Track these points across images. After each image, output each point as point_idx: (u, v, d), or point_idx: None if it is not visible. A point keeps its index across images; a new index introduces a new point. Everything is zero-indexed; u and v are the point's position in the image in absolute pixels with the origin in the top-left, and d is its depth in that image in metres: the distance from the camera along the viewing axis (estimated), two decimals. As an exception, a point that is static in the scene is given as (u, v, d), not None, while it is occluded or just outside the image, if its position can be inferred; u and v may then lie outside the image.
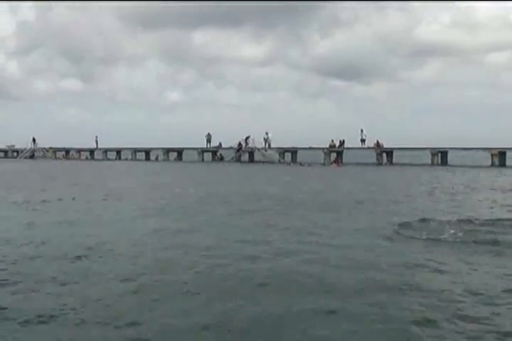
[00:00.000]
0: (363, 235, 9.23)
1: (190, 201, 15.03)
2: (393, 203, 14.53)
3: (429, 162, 40.87)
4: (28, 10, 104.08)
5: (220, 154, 49.51)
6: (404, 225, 10.03)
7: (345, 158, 44.74)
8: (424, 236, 8.85)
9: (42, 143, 60.10)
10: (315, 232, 9.49)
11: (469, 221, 10.50)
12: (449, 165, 39.69)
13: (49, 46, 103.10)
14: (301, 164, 42.10)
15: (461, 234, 8.88)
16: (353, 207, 13.54)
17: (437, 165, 40.10)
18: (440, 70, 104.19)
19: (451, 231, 9.01)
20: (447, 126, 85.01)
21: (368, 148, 44.39)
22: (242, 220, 11.11)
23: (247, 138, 47.43)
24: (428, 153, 41.54)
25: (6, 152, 64.93)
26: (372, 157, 43.53)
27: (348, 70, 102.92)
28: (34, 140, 59.85)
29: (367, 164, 41.74)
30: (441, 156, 41.38)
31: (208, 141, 49.60)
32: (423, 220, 10.60)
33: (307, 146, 47.13)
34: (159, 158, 52.25)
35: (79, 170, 36.22)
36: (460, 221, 10.37)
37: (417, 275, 6.60)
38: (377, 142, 43.74)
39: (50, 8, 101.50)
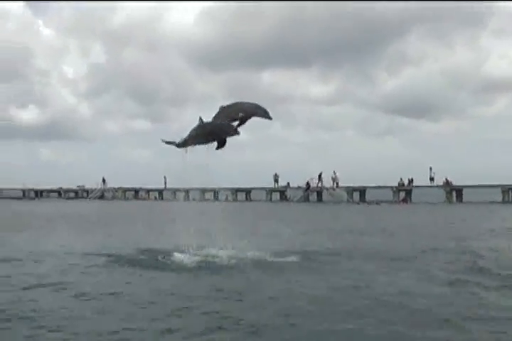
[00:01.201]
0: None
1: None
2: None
3: (500, 199, 42.01)
4: (99, 52, 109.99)
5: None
6: None
7: (414, 197, 46.23)
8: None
9: (111, 183, 63.81)
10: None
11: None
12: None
13: (119, 87, 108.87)
14: (368, 203, 43.89)
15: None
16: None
17: (509, 202, 41.16)
18: (509, 105, 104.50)
19: None
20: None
21: (437, 186, 45.71)
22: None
23: (320, 174, 48.94)
24: (499, 190, 42.71)
25: (76, 192, 69.07)
26: (441, 195, 44.90)
27: (416, 107, 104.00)
28: (104, 180, 63.52)
29: (436, 203, 42.99)
30: (512, 193, 42.43)
31: (276, 180, 51.69)
32: None
33: (375, 185, 48.78)
34: (228, 198, 54.89)
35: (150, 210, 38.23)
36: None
37: None
38: (446, 180, 45.07)
39: (121, 50, 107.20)
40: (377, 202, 43.29)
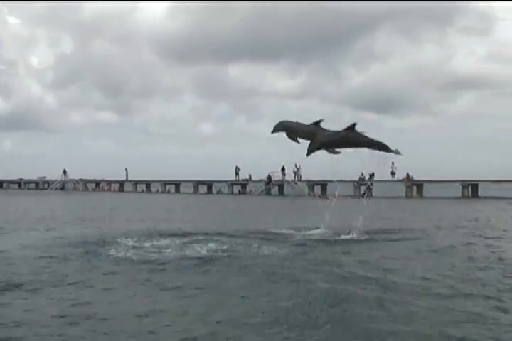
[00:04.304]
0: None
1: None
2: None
3: (460, 195, 44.18)
4: (67, 42, 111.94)
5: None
6: None
7: (374, 191, 47.89)
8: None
9: (73, 175, 65.70)
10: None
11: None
12: (479, 197, 42.73)
13: (86, 79, 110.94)
14: (325, 197, 45.62)
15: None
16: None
17: (467, 197, 43.13)
18: (474, 103, 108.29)
19: None
20: (479, 158, 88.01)
21: (398, 180, 47.20)
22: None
23: (283, 168, 50.13)
24: (459, 185, 44.66)
25: (37, 183, 70.87)
26: (402, 190, 46.35)
27: (381, 103, 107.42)
28: (65, 172, 65.27)
29: (396, 197, 44.60)
30: (471, 189, 44.25)
31: (237, 173, 53.30)
32: None
33: (337, 179, 50.12)
34: (189, 191, 56.54)
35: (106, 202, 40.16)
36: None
37: None
38: (407, 175, 46.70)
39: (90, 41, 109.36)
40: (333, 197, 44.82)
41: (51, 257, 10.55)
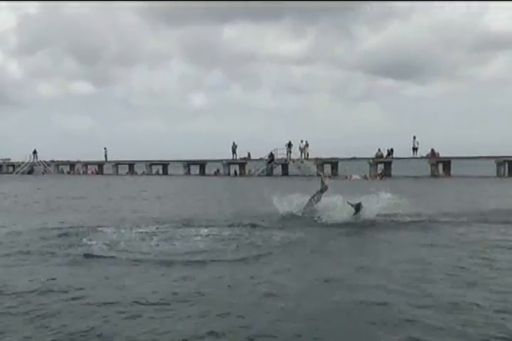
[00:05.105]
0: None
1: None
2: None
3: (495, 173, 39.69)
4: (31, 1, 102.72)
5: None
6: None
7: (394, 170, 43.74)
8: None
9: (43, 156, 59.71)
10: None
11: None
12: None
13: (56, 44, 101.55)
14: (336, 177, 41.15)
15: None
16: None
17: (504, 176, 38.88)
18: (509, 66, 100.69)
19: None
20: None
21: (421, 157, 43.41)
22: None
23: (289, 144, 46.43)
24: (493, 162, 40.39)
25: (0, 166, 64.19)
26: (425, 168, 42.37)
27: (401, 68, 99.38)
28: (35, 152, 59.07)
29: (419, 177, 40.43)
30: (508, 166, 40.15)
31: (234, 151, 49.06)
32: None
33: (350, 157, 46.20)
34: (179, 172, 51.43)
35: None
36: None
37: None
38: (432, 151, 43.03)
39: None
40: (348, 176, 40.62)
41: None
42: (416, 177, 39.85)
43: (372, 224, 12.52)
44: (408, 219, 12.84)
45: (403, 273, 7.65)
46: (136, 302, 6.18)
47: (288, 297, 6.39)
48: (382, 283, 6.96)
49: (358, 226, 12.36)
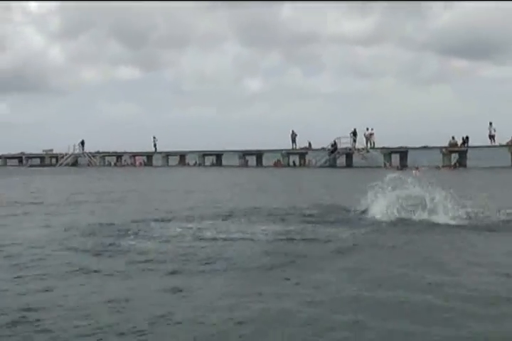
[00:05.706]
0: None
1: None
2: None
3: None
4: None
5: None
6: None
7: (469, 160, 41.68)
8: None
9: (88, 147, 58.29)
10: None
11: None
12: None
13: (99, 26, 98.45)
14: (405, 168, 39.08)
15: None
16: None
17: None
18: None
19: None
20: None
21: (500, 146, 41.19)
22: None
23: (355, 132, 44.67)
24: None
25: (42, 158, 62.82)
26: (505, 158, 40.22)
27: (477, 47, 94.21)
28: (83, 143, 57.60)
29: (497, 168, 38.07)
30: None
31: (294, 140, 47.48)
32: None
33: (421, 145, 44.38)
34: (234, 163, 49.86)
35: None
36: None
37: None
38: None
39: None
40: (417, 167, 38.33)
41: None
42: (493, 168, 37.81)
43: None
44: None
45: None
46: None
47: None
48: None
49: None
